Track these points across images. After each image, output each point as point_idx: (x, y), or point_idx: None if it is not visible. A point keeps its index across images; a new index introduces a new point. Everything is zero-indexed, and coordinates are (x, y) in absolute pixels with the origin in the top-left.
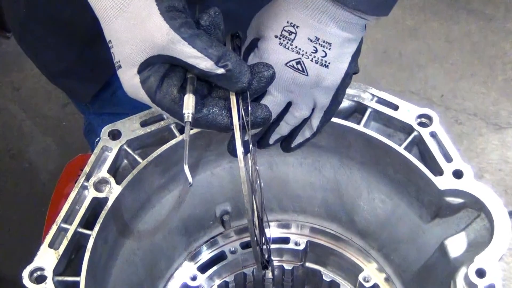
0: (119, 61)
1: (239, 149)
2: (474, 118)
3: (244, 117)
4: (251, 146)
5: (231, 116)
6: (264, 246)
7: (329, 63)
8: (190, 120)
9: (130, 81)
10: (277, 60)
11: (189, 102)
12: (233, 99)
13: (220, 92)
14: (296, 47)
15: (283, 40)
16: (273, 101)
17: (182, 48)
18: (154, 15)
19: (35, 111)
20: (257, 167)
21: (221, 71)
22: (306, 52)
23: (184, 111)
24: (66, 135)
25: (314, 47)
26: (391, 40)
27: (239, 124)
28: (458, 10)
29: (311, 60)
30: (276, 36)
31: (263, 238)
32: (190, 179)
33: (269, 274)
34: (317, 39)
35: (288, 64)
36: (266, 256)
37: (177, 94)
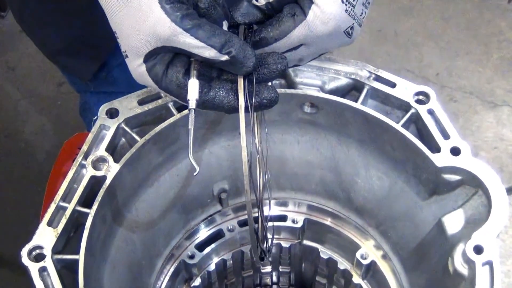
0: (125, 51)
1: (243, 129)
2: (470, 96)
3: (249, 99)
4: (257, 142)
5: (237, 98)
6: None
7: (362, 22)
8: (194, 107)
9: (137, 69)
10: (338, 27)
11: (193, 88)
12: (240, 82)
13: (229, 75)
14: (355, 13)
15: (349, 7)
16: (307, 56)
17: (185, 39)
18: (155, 9)
19: (31, 91)
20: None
21: (225, 58)
22: (359, 17)
23: (189, 96)
24: (62, 114)
25: (363, 10)
26: (386, 18)
27: (245, 106)
28: None
29: (358, 24)
30: (343, 2)
31: (263, 229)
32: (196, 167)
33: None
34: (368, 2)
35: (345, 31)
36: (265, 247)
37: (182, 79)
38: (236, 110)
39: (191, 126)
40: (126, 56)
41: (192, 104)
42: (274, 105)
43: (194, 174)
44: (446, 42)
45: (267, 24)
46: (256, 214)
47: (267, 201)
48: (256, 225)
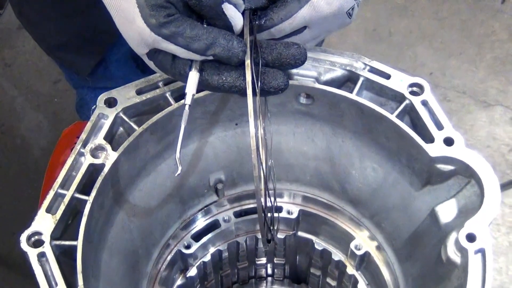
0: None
1: (251, 106)
2: (463, 96)
3: (257, 84)
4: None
5: (245, 82)
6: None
7: (359, 2)
8: (189, 103)
9: (146, 61)
10: (341, 7)
11: (192, 81)
12: (248, 66)
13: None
14: None
15: None
16: (309, 39)
17: (168, 46)
18: (137, 18)
19: (27, 88)
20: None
21: (210, 58)
22: None
23: (186, 90)
24: (58, 111)
25: None
26: (381, 18)
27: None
28: None
29: (357, 4)
30: None
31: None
32: (179, 168)
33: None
34: None
35: (347, 12)
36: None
37: (188, 70)
38: (243, 94)
39: (183, 124)
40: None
41: (188, 99)
42: (284, 91)
43: (176, 174)
44: (440, 42)
45: (273, 7)
46: (263, 198)
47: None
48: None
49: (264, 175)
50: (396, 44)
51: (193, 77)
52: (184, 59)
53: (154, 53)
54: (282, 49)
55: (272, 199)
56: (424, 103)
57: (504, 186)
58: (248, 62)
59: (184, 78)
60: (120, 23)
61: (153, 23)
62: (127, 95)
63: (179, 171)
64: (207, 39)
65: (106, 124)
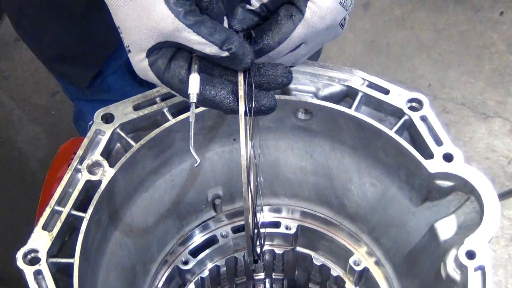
0: (128, 46)
1: (242, 133)
2: (462, 107)
3: (248, 103)
4: (251, 146)
5: (237, 100)
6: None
7: (350, 12)
8: (195, 100)
9: (140, 63)
10: (335, 20)
11: (194, 82)
12: (240, 79)
13: (230, 76)
14: (347, 4)
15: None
16: (305, 53)
17: (188, 35)
18: (159, 4)
19: (24, 100)
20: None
21: (225, 54)
22: (350, 7)
23: (190, 91)
24: (56, 123)
25: (352, 0)
26: (379, 30)
27: (245, 104)
28: (446, 0)
29: (348, 14)
30: None
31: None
32: (197, 158)
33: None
34: None
35: (340, 23)
36: (258, 250)
37: (184, 74)
38: (234, 111)
39: (192, 119)
40: (129, 51)
41: (193, 98)
42: (271, 112)
43: (195, 165)
44: (439, 53)
45: (267, 29)
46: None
47: (260, 207)
48: (254, 230)
49: (252, 198)
50: (395, 56)
51: (194, 78)
52: (179, 62)
53: (153, 51)
54: (269, 70)
55: (259, 219)
56: (423, 119)
57: (503, 196)
58: (241, 78)
59: (177, 83)
60: (131, 12)
61: (179, 11)
62: (124, 110)
63: (198, 161)
64: (225, 33)
65: (103, 140)
